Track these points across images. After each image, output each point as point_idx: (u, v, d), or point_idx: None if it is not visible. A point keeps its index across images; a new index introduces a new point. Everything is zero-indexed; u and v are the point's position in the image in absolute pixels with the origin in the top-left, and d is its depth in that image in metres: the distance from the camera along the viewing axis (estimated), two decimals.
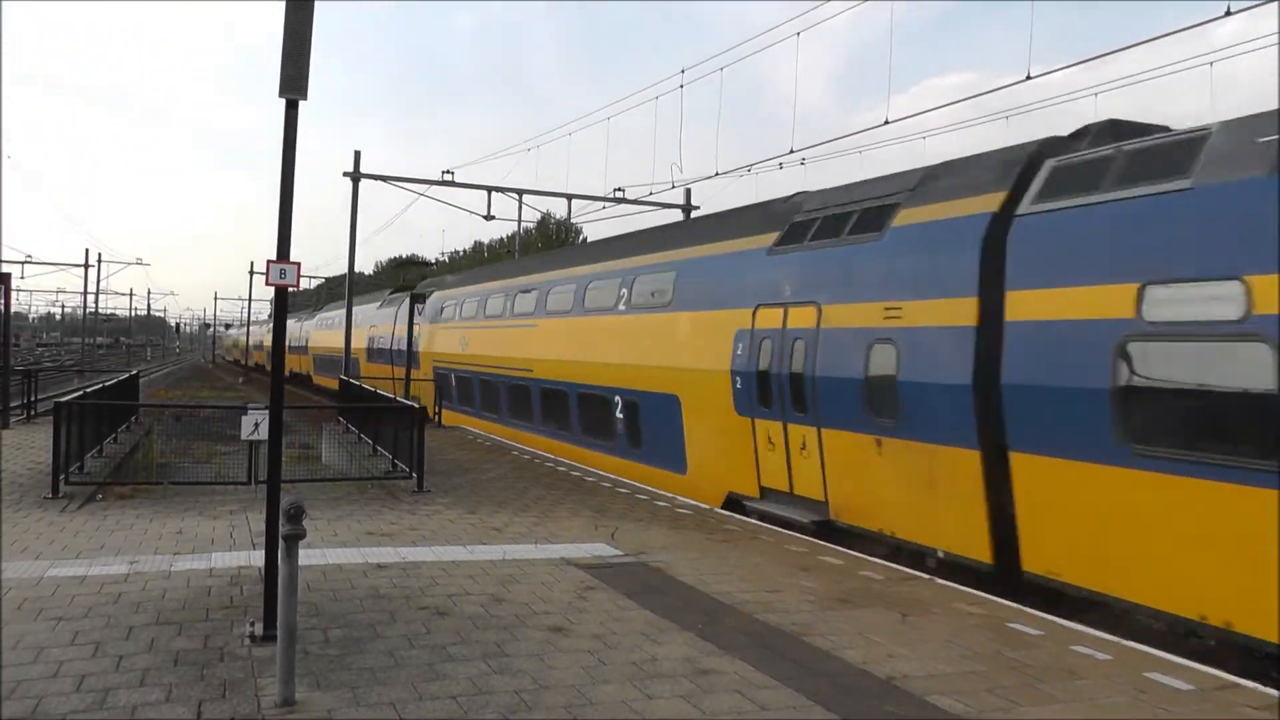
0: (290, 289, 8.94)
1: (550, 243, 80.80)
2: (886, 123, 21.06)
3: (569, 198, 41.90)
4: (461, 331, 33.20)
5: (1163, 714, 7.60)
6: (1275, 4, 12.78)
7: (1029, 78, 16.96)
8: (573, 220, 51.53)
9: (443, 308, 36.14)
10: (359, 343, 44.10)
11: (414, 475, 18.00)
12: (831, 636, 9.25)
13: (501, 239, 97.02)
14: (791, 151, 25.38)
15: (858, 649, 8.89)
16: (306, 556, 8.98)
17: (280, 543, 7.41)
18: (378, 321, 45.26)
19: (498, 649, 8.54)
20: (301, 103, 8.68)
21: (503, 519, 14.95)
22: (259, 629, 8.57)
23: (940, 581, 11.67)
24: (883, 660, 8.60)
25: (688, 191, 42.67)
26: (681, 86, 30.41)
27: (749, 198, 18.51)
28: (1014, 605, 10.67)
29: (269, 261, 8.62)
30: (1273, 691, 8.16)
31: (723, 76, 36.98)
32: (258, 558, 10.76)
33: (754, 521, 15.42)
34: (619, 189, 40.36)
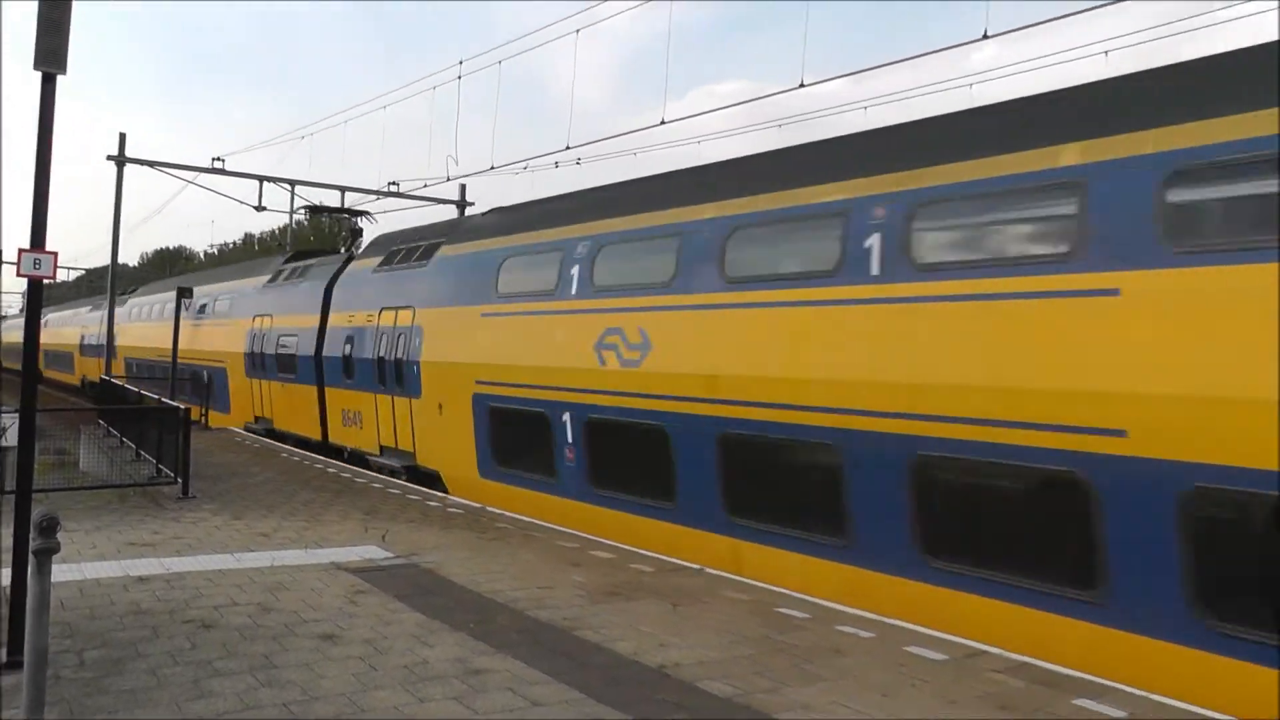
0: (46, 280, 8.33)
1: (323, 236, 78.34)
2: (663, 123, 21.48)
3: (342, 190, 40.67)
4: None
5: (919, 683, 7.94)
6: (1026, 31, 13.50)
7: (802, 85, 17.48)
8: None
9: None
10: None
11: (179, 481, 17.16)
12: (603, 629, 9.25)
13: (273, 231, 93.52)
14: (568, 148, 25.43)
15: (629, 640, 8.91)
16: (61, 572, 8.40)
17: (30, 559, 6.80)
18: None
19: (266, 661, 8.16)
20: (60, 78, 8.10)
21: (271, 524, 14.37)
22: (2, 655, 7.90)
23: (710, 571, 11.85)
24: (654, 650, 8.64)
25: (462, 187, 42.14)
26: (460, 78, 29.97)
27: (527, 195, 18.70)
28: (780, 591, 10.93)
29: (21, 250, 7.99)
30: (1013, 655, 8.64)
31: (501, 70, 36.37)
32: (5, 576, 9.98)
33: (526, 519, 15.33)
34: (394, 183, 39.51)
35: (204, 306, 35.72)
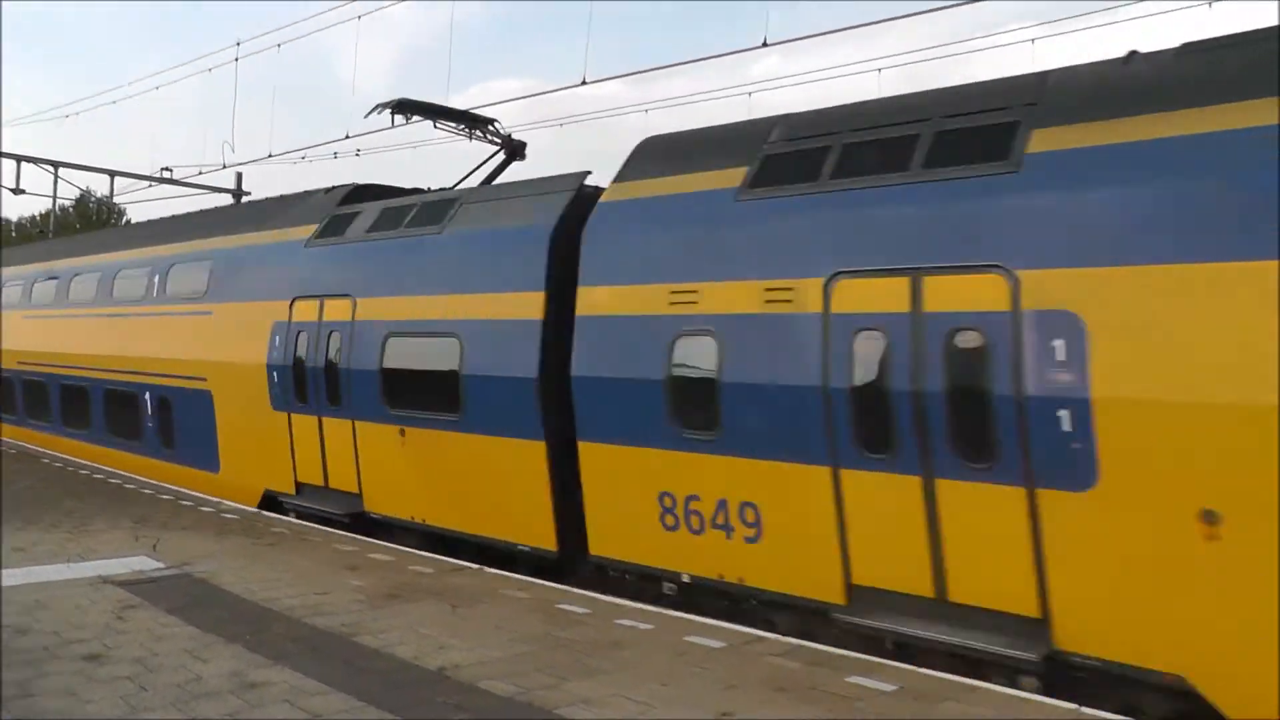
0: None
1: (90, 224, 73.94)
2: None
3: (112, 174, 38.51)
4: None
5: (699, 670, 8.18)
6: (805, 43, 13.80)
7: (584, 83, 17.57)
8: (115, 200, 47.25)
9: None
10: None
11: None
12: (382, 634, 9.14)
13: (34, 216, 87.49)
14: (348, 137, 24.80)
15: (409, 644, 8.85)
16: None
17: None
18: None
19: (21, 689, 7.61)
20: None
21: (29, 537, 13.51)
22: None
23: (490, 571, 11.86)
24: (434, 653, 8.60)
25: (239, 175, 40.49)
26: (237, 60, 28.77)
27: (305, 185, 17.55)
28: (561, 587, 11.04)
29: None
30: (791, 640, 8.99)
31: (281, 54, 35.20)
32: None
33: (301, 524, 15.00)
34: (166, 168, 37.62)
35: (150, 280, 21.66)
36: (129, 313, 21.20)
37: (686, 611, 10.03)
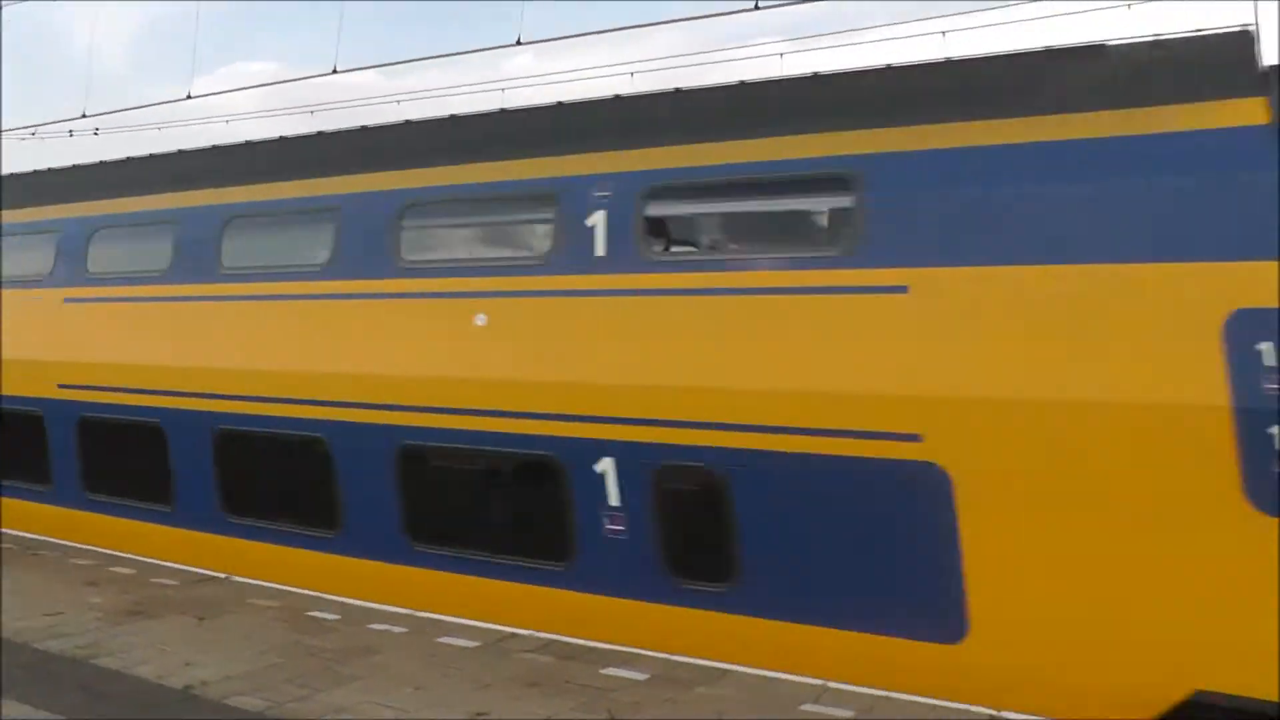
0: None
1: None
2: (189, 98, 20.25)
3: None
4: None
5: (453, 671, 8.29)
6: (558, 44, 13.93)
7: (335, 71, 17.21)
8: None
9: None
10: None
11: None
12: (123, 654, 8.81)
13: None
14: (85, 116, 23.30)
15: (152, 663, 8.56)
16: None
17: None
18: None
19: None
20: None
21: None
22: None
23: (238, 579, 11.55)
24: (179, 670, 8.36)
25: None
26: None
27: (39, 164, 16.01)
28: (311, 593, 10.87)
29: None
30: (543, 634, 9.18)
31: (3, 19, 32.58)
32: None
33: (31, 536, 14.15)
34: None
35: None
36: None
37: None
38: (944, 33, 16.26)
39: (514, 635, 9.25)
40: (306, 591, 10.94)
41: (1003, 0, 14.45)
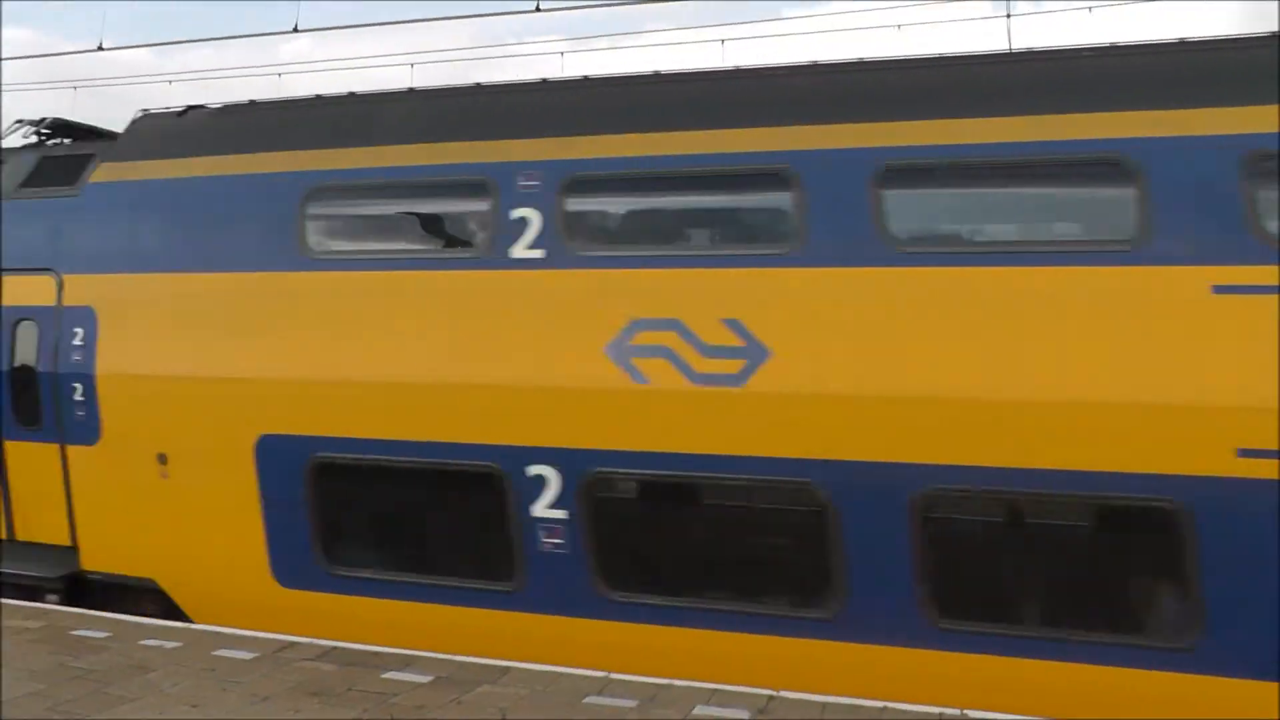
0: None
1: None
2: None
3: None
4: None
5: (230, 684, 8.08)
6: (337, 32, 13.52)
7: (101, 48, 16.45)
8: None
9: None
10: None
11: None
12: None
13: None
14: None
15: None
16: None
17: None
18: None
19: None
20: None
21: None
22: None
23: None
24: None
25: None
26: None
27: None
28: (78, 611, 10.36)
29: None
30: (323, 641, 9.03)
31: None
32: None
33: None
34: None
35: None
36: None
37: None
38: (723, 41, 16.83)
39: (293, 644, 9.07)
40: (72, 610, 10.41)
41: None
